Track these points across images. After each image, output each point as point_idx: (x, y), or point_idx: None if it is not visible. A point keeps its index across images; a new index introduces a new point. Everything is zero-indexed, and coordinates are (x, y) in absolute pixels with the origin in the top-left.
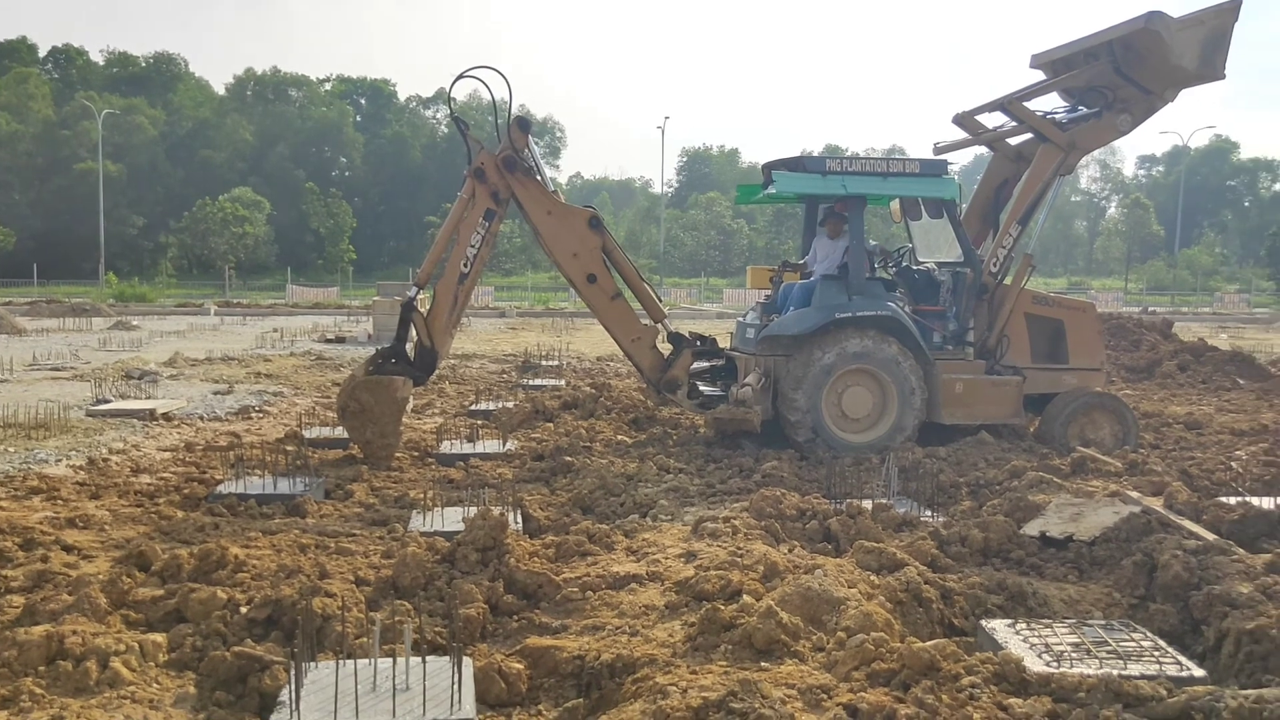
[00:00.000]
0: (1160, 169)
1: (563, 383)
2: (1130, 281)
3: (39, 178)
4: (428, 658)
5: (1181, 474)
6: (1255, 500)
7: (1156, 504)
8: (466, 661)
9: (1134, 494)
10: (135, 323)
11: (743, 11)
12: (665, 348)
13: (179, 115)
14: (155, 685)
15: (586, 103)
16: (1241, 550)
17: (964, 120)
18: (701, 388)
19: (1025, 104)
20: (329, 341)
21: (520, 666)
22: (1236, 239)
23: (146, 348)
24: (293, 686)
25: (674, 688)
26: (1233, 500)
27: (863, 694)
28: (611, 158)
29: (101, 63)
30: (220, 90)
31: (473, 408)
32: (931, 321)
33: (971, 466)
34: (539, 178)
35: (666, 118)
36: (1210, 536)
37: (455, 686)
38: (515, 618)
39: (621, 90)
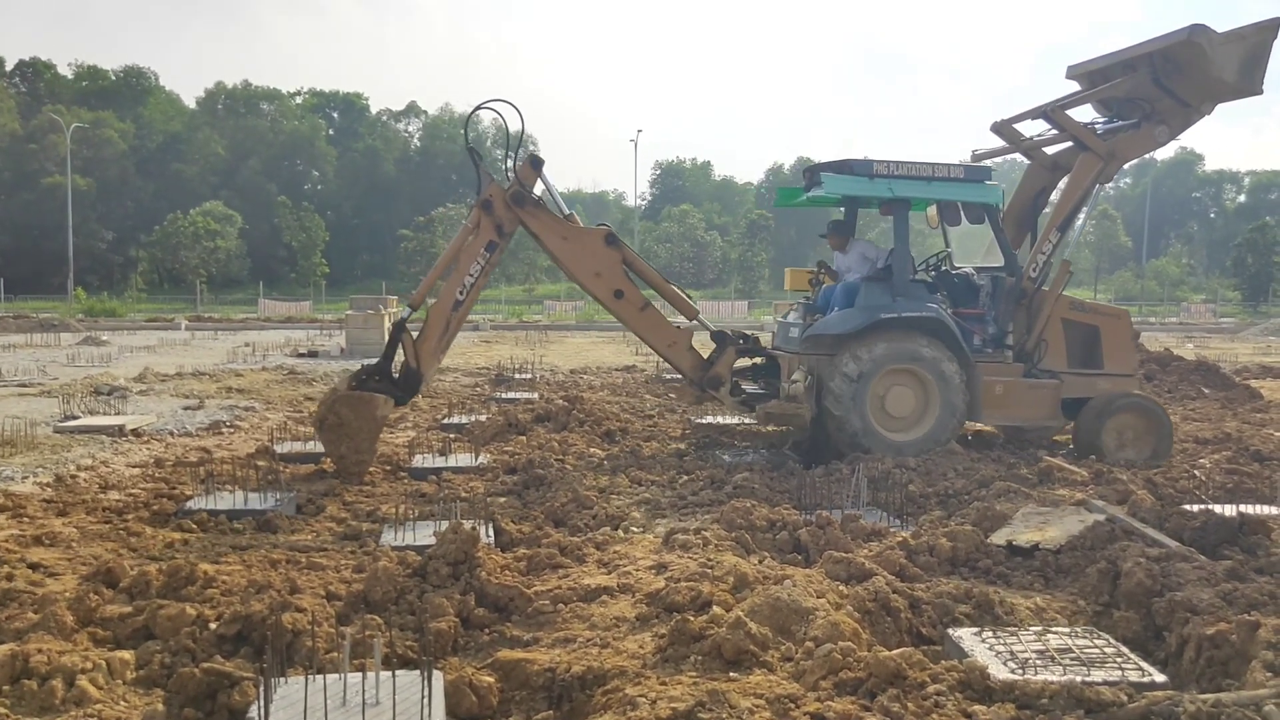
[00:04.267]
0: (1128, 181)
1: (536, 396)
2: (1099, 292)
3: (5, 192)
4: (398, 672)
5: (1146, 482)
6: (1217, 508)
7: (1121, 512)
8: (437, 675)
9: (1099, 502)
10: (104, 338)
11: (716, 25)
12: (702, 347)
13: (149, 129)
14: (123, 703)
15: (560, 116)
16: (1203, 557)
17: (1002, 129)
18: (744, 386)
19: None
20: (301, 356)
21: (491, 679)
22: (1203, 250)
23: (116, 363)
24: (262, 702)
25: (643, 699)
26: (1195, 508)
27: (830, 703)
28: (585, 170)
29: (70, 76)
30: (191, 104)
31: (445, 421)
32: (970, 324)
33: (941, 476)
34: (554, 207)
35: (639, 131)
36: (1173, 544)
37: (425, 700)
38: (486, 631)
39: (595, 103)
